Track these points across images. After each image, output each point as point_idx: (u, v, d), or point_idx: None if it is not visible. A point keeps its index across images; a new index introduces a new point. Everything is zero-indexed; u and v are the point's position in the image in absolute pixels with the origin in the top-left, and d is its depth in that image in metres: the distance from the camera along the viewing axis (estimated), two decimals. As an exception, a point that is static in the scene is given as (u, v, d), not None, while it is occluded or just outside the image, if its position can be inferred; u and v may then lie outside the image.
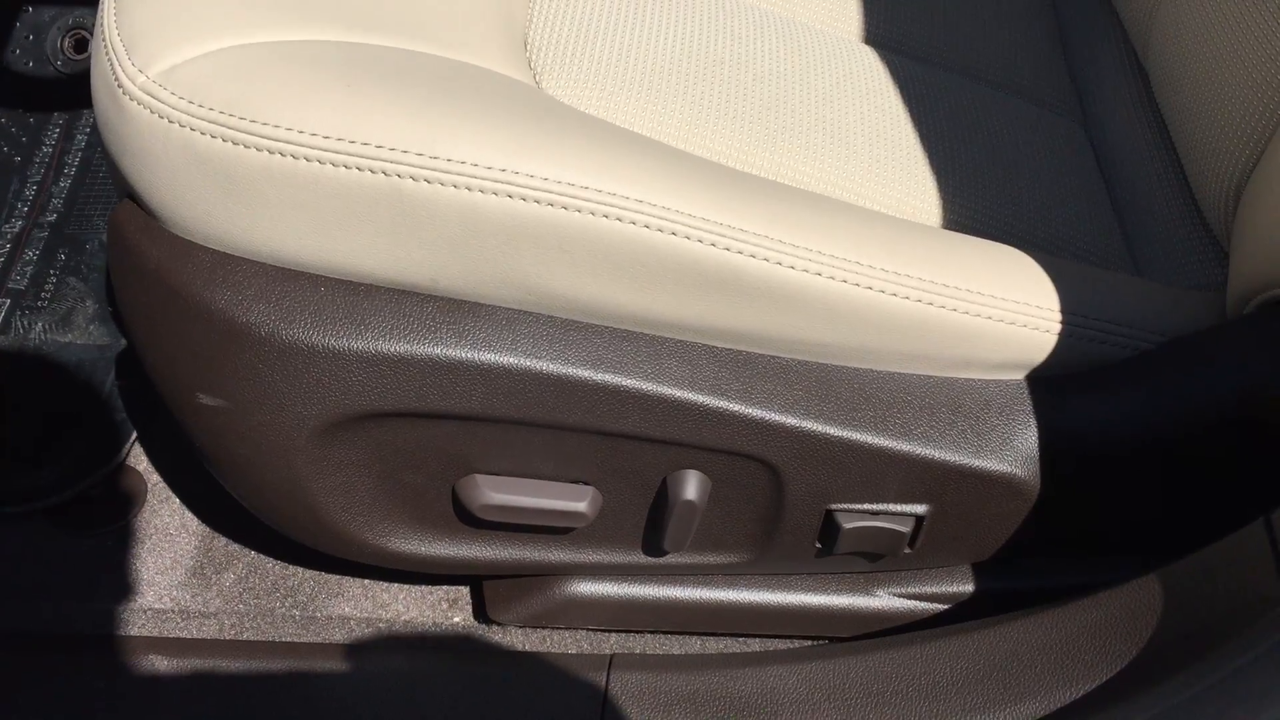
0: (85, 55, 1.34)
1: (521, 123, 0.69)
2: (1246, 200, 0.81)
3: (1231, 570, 0.60)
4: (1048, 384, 0.75)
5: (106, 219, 1.19)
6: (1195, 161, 0.89)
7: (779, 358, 0.73)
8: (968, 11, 1.07)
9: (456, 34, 0.79)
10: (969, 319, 0.72)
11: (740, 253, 0.68)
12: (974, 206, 0.87)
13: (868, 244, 0.71)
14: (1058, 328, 0.74)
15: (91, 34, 1.34)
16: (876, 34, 1.01)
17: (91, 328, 1.09)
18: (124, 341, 1.07)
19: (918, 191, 0.86)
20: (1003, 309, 0.73)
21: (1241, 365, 0.72)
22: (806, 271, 0.69)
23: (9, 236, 1.17)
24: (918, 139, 0.90)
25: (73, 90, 1.31)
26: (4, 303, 1.11)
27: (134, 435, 1.01)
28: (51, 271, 1.14)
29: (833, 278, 0.70)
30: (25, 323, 1.10)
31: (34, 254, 1.16)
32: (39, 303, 1.11)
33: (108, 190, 1.22)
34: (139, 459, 1.01)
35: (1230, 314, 0.78)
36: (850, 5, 1.02)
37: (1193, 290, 0.83)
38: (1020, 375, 0.76)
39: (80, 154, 1.26)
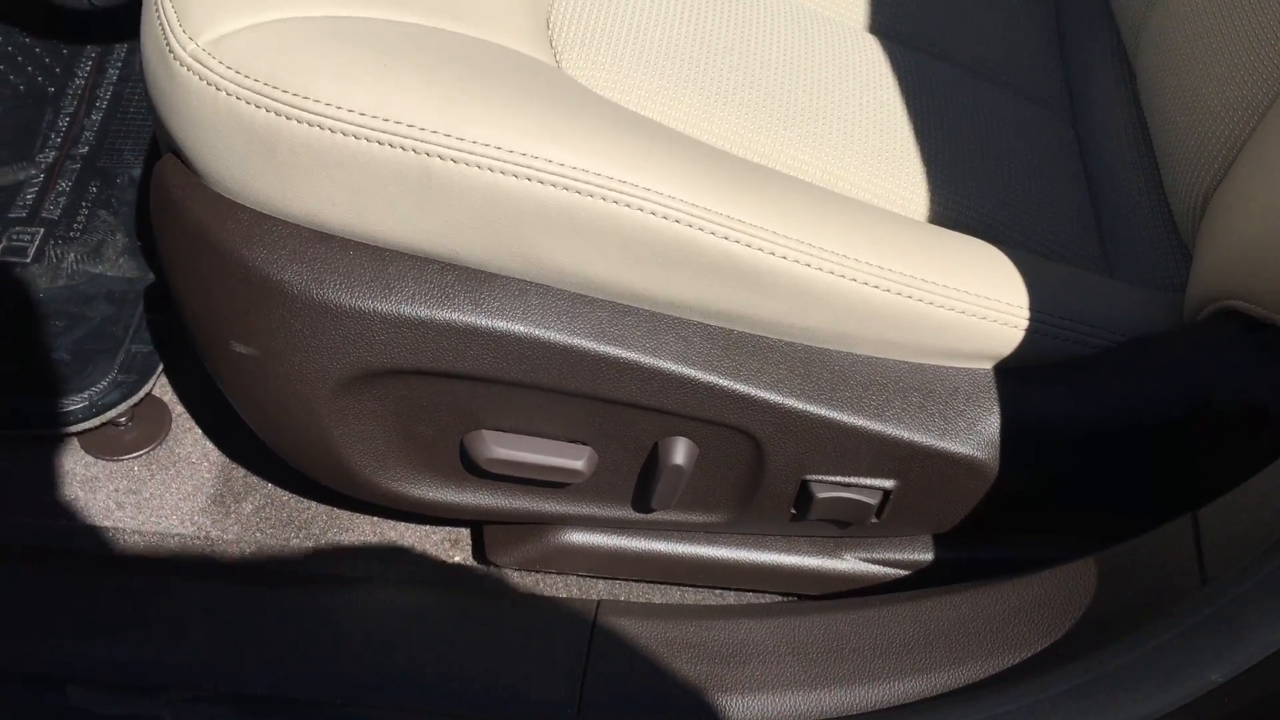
0: (118, -11, 1.38)
1: (541, 108, 0.75)
2: (1211, 211, 0.87)
3: (1155, 561, 0.67)
4: (1013, 374, 0.81)
5: (136, 154, 1.24)
6: (1169, 168, 0.95)
7: (766, 338, 0.80)
8: (969, 3, 1.12)
9: (485, 13, 0.84)
10: (943, 312, 0.78)
11: (737, 241, 0.74)
12: (960, 201, 0.92)
13: (855, 238, 0.77)
14: (1025, 324, 0.80)
15: (125, -31, 1.38)
16: (881, 23, 1.06)
17: (121, 260, 1.15)
18: (152, 275, 1.13)
19: (908, 184, 0.91)
20: (975, 304, 0.79)
21: (1188, 370, 0.78)
22: (797, 262, 0.75)
23: (42, 166, 1.23)
24: (912, 131, 0.95)
25: (104, 23, 1.36)
26: (38, 232, 1.17)
27: (160, 367, 1.07)
28: (83, 204, 1.19)
29: (820, 269, 0.76)
30: (58, 253, 1.15)
31: (66, 185, 1.21)
32: (71, 233, 1.17)
33: (138, 125, 1.27)
34: (164, 390, 1.07)
35: (1186, 318, 0.84)
36: (857, -4, 1.07)
37: (1157, 292, 0.89)
38: (988, 365, 0.82)
39: (111, 88, 1.30)
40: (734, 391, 0.78)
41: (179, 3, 0.76)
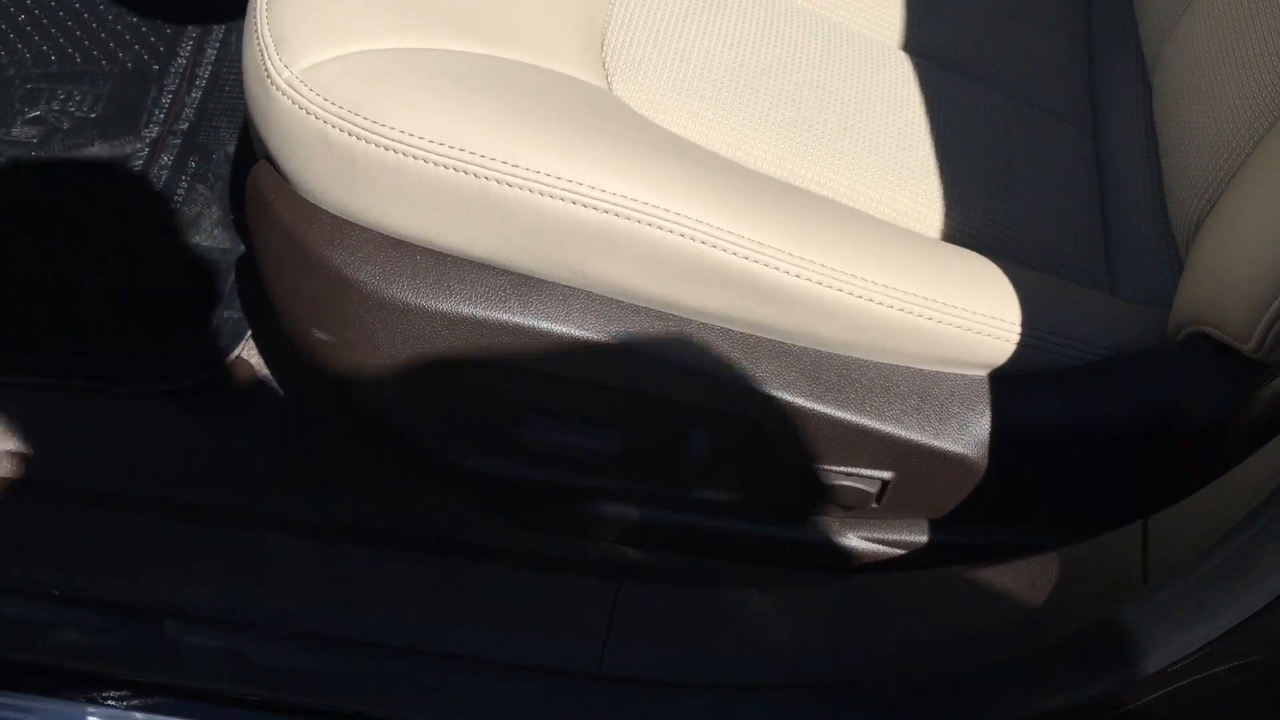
0: (218, -28, 1.49)
1: (586, 136, 0.85)
2: (1200, 237, 0.95)
3: (1107, 562, 0.77)
4: (1003, 381, 0.91)
5: (231, 131, 1.36)
6: (1172, 189, 1.02)
7: (783, 344, 0.90)
8: (1002, 18, 1.19)
9: (544, 40, 0.94)
10: (942, 327, 0.88)
11: (757, 262, 0.84)
12: (973, 216, 1.01)
13: (865, 258, 0.87)
14: (1016, 338, 0.89)
15: (225, -46, 1.49)
16: (914, 41, 1.14)
17: (216, 231, 1.27)
18: (243, 246, 1.25)
19: (925, 200, 1.00)
20: (971, 320, 0.88)
21: (1159, 386, 0.87)
22: (810, 280, 0.85)
23: (147, 140, 1.35)
24: (935, 149, 1.04)
25: (202, 5, 1.47)
26: (143, 203, 1.29)
27: (249, 333, 1.19)
28: (183, 177, 1.32)
29: (831, 286, 0.85)
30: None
31: (168, 159, 1.33)
32: (171, 205, 1.29)
33: (233, 103, 1.38)
34: (251, 354, 1.19)
35: (1169, 336, 0.93)
36: (893, 13, 1.14)
37: (1147, 309, 0.97)
38: (982, 372, 0.91)
39: (210, 67, 1.42)
40: (751, 390, 0.88)
41: (276, 33, 0.87)
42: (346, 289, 0.87)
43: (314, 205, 0.89)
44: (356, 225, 0.88)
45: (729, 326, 0.89)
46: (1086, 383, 0.89)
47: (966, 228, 1.00)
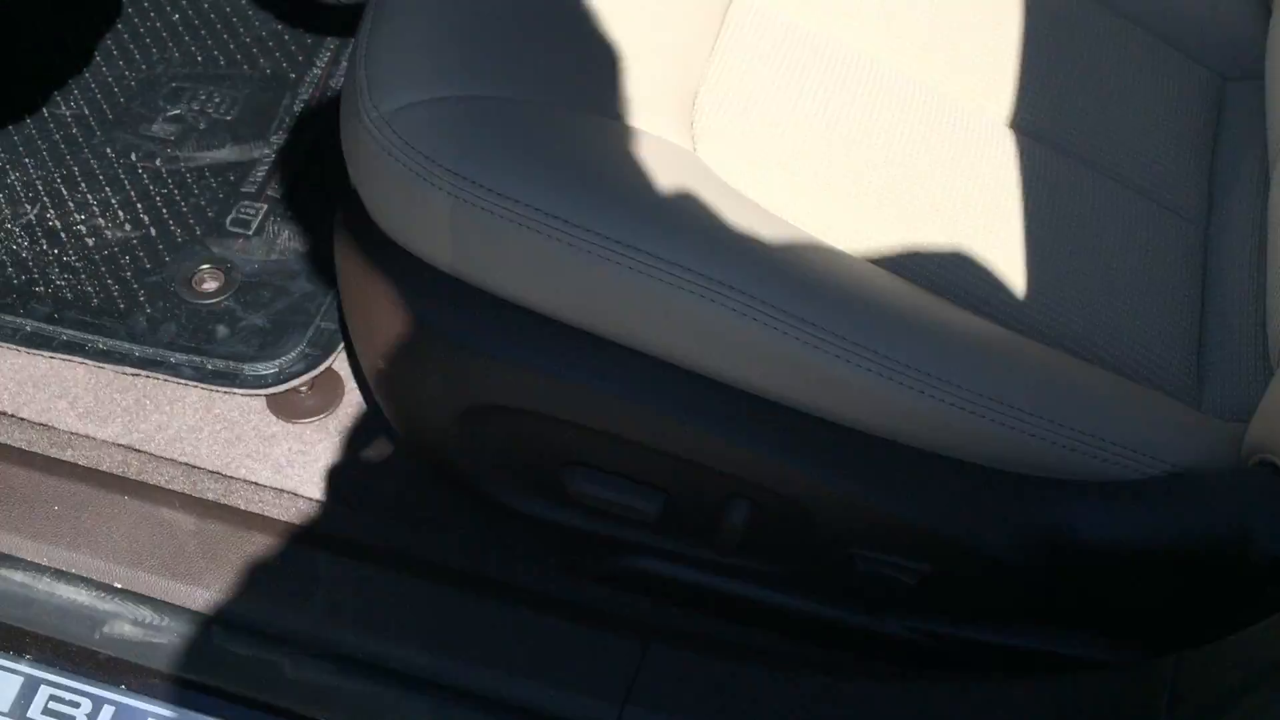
0: (361, -12, 1.55)
1: (662, 201, 0.86)
2: (1290, 358, 0.90)
3: (1133, 696, 0.74)
4: (1054, 485, 0.88)
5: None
6: (1272, 296, 0.98)
7: (833, 424, 0.89)
8: (1120, 101, 1.15)
9: (634, 97, 0.95)
10: (1004, 430, 0.86)
11: (816, 346, 0.84)
12: (1061, 311, 0.97)
13: (933, 354, 0.85)
14: (1079, 447, 0.86)
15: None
16: (1023, 118, 1.11)
17: (326, 243, 1.32)
18: (348, 259, 1.29)
19: (1013, 288, 0.98)
20: (1036, 426, 0.86)
21: (1218, 513, 0.83)
22: (870, 371, 0.84)
23: (275, 147, 1.40)
24: (1032, 235, 1.01)
25: (345, 18, 1.52)
26: (262, 207, 1.35)
27: (341, 344, 1.24)
28: (303, 186, 1.37)
29: (893, 379, 0.84)
30: (275, 228, 1.33)
31: (292, 168, 1.39)
32: (288, 213, 1.34)
33: (359, 117, 1.43)
34: (341, 364, 1.24)
35: (1242, 458, 0.89)
36: (1004, 86, 1.11)
37: (1224, 424, 0.93)
38: (1034, 473, 0.89)
39: (343, 79, 1.47)
40: (795, 468, 0.88)
41: (372, 72, 0.91)
42: (415, 326, 0.90)
43: (391, 240, 0.92)
44: (428, 265, 0.90)
45: (782, 402, 0.89)
46: (1142, 499, 0.86)
47: (1054, 321, 0.97)
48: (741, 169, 0.97)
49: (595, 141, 0.89)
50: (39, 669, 0.94)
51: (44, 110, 1.43)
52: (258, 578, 0.96)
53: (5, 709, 0.92)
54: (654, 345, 0.87)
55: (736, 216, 0.89)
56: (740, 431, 0.88)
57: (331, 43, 1.51)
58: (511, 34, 0.94)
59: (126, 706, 0.91)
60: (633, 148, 0.91)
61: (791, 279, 0.85)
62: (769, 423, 0.88)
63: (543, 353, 0.88)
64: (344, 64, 1.48)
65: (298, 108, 1.44)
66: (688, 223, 0.85)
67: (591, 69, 0.94)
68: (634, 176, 0.87)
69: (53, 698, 0.93)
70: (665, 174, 0.90)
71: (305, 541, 0.99)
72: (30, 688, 0.93)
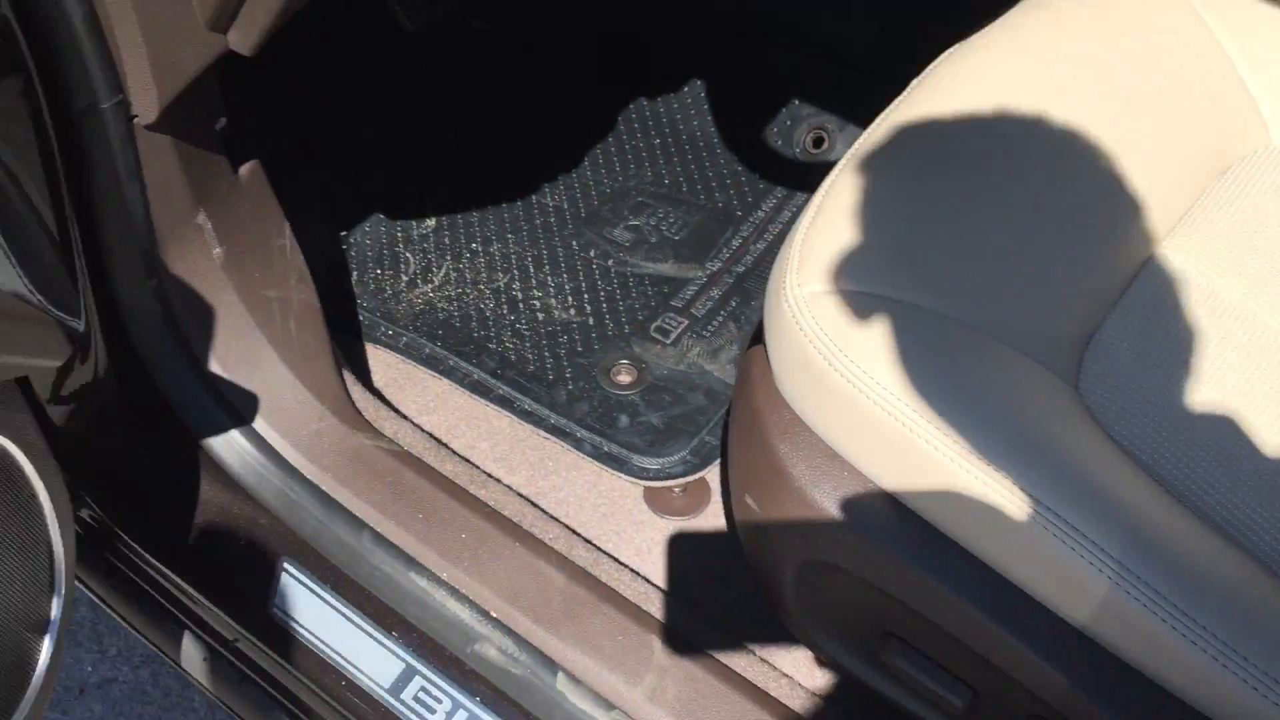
0: (821, 149, 1.73)
1: (1031, 434, 0.94)
2: None
3: None
4: None
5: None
6: None
7: (1168, 692, 0.92)
8: None
9: (1030, 326, 1.04)
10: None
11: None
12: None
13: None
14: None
15: (829, 135, 1.72)
16: None
17: (728, 367, 1.49)
18: (743, 386, 1.46)
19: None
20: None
21: None
22: (1254, 689, 0.87)
23: (708, 271, 1.60)
24: None
25: (796, 175, 1.71)
26: (683, 322, 1.54)
27: (717, 460, 1.40)
28: (722, 312, 1.55)
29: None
30: (689, 343, 1.52)
31: (717, 293, 1.57)
32: (704, 332, 1.53)
33: (786, 261, 1.60)
34: (714, 476, 1.40)
35: None
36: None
37: None
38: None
39: (782, 226, 1.65)
40: (1089, 701, 0.94)
41: (804, 255, 1.06)
42: (779, 475, 1.04)
43: (782, 397, 1.06)
44: (805, 426, 1.04)
45: (1117, 655, 0.93)
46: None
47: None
48: (1119, 423, 1.01)
49: (985, 364, 0.99)
50: (418, 661, 1.15)
51: (533, 198, 1.70)
52: (602, 644, 1.12)
53: (386, 685, 1.14)
54: (984, 554, 0.96)
55: (1106, 468, 0.94)
56: (1052, 656, 0.94)
57: (780, 192, 1.70)
58: (940, 249, 1.05)
59: (477, 717, 1.10)
60: (1017, 374, 1.00)
61: (1163, 559, 0.89)
62: (1102, 670, 0.93)
63: (883, 533, 0.99)
64: (786, 213, 1.66)
65: (735, 242, 1.63)
66: (1058, 461, 0.92)
67: (995, 295, 1.05)
68: (1010, 403, 0.97)
69: (422, 689, 1.14)
70: (1043, 407, 0.97)
71: (648, 626, 1.15)
72: (408, 674, 1.14)
